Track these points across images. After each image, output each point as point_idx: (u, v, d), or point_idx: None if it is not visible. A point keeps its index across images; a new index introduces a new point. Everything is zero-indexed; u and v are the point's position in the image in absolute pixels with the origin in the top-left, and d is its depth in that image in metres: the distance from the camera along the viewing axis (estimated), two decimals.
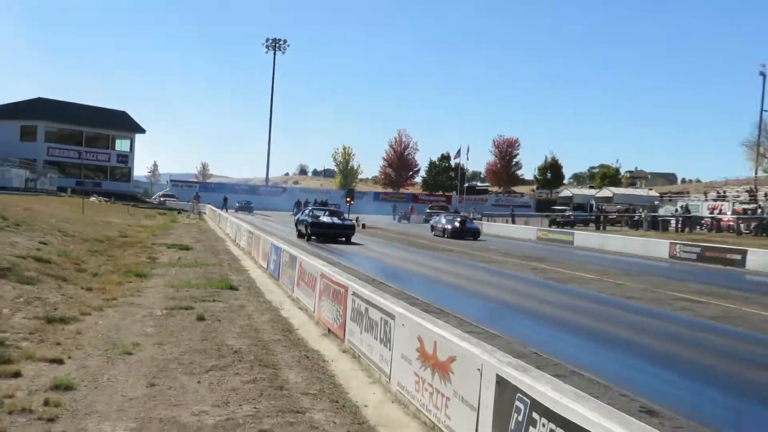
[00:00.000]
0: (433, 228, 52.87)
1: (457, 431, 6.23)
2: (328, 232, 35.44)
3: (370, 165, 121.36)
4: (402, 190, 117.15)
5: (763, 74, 67.06)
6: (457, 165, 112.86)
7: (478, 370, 5.89)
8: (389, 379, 8.25)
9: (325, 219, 36.65)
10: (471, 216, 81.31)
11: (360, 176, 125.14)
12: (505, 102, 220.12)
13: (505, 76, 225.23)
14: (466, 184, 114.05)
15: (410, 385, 7.49)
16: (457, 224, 48.14)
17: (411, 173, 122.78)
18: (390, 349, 8.32)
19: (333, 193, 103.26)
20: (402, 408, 7.60)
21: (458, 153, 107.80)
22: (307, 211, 40.33)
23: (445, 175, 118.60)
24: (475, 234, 48.45)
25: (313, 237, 35.08)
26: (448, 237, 46.94)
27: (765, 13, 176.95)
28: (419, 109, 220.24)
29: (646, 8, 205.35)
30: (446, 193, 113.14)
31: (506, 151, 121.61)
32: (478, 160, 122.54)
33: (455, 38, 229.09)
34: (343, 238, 35.70)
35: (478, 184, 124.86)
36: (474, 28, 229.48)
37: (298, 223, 39.64)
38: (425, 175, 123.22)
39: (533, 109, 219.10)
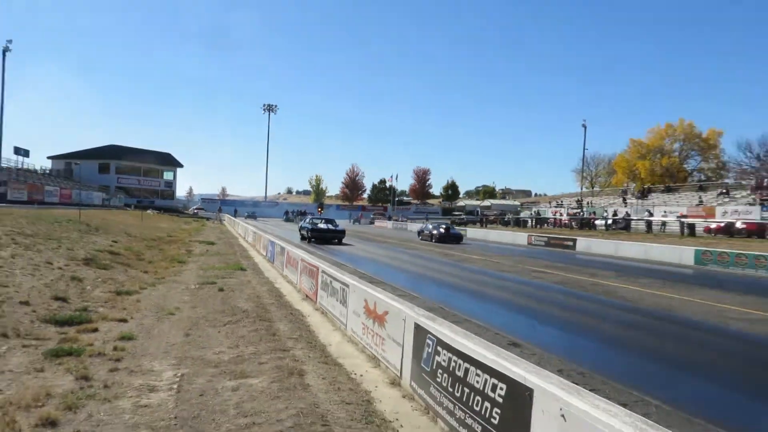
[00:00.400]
0: (420, 233, 41.49)
1: (390, 359, 6.25)
2: (324, 236, 31.42)
3: (333, 185, 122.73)
4: (355, 203, 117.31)
5: (584, 126, 68.49)
6: (391, 186, 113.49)
7: (403, 319, 5.94)
8: (346, 327, 8.23)
9: (322, 226, 32.38)
10: (399, 218, 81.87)
11: (327, 194, 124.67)
12: (422, 141, 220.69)
13: (420, 125, 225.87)
14: (396, 199, 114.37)
15: (359, 330, 7.48)
16: (442, 230, 38.24)
17: (360, 192, 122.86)
18: (346, 307, 8.30)
19: (309, 206, 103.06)
20: (354, 346, 7.58)
21: (391, 178, 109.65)
22: (307, 220, 35.30)
23: (383, 193, 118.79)
24: (458, 239, 37.79)
25: (312, 240, 31.13)
26: (435, 241, 37.10)
27: (589, 76, 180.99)
28: (367, 146, 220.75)
29: (513, 71, 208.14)
30: (383, 205, 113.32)
31: (422, 177, 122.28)
32: (404, 183, 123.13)
33: (389, 97, 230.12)
34: (336, 240, 31.59)
35: (404, 198, 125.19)
36: (399, 89, 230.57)
37: (300, 229, 35.20)
38: (370, 193, 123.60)
39: (441, 147, 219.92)
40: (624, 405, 5.57)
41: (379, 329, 6.67)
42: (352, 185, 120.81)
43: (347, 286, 8.37)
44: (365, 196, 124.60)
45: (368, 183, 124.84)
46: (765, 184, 46.66)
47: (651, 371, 7.52)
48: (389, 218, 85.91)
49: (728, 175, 65.81)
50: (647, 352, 8.53)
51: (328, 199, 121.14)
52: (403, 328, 5.92)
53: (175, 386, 5.59)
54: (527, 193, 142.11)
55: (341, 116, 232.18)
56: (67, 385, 5.47)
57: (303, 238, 33.04)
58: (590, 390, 5.52)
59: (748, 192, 47.27)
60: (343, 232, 32.29)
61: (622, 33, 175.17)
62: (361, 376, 6.24)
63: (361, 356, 7.08)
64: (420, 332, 5.48)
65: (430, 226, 40.81)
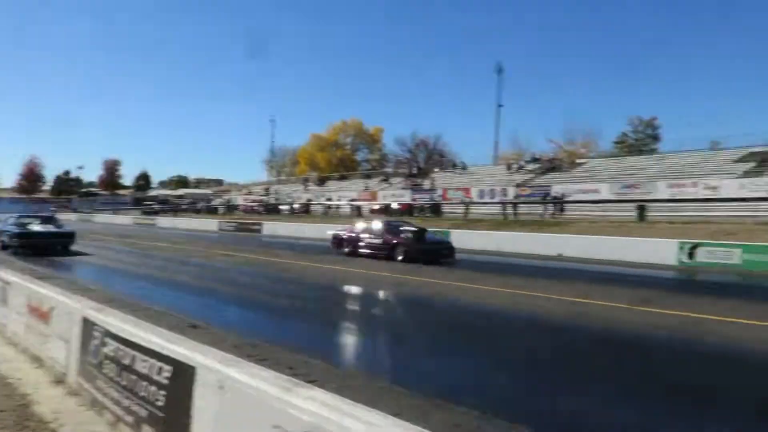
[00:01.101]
0: (337, 241, 20.39)
1: (55, 356, 5.60)
2: (41, 242, 19.70)
3: (8, 178, 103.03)
4: (34, 196, 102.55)
5: (272, 121, 70.53)
6: (77, 177, 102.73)
7: (70, 314, 5.39)
8: (6, 329, 7.08)
9: (36, 228, 20.44)
10: (85, 210, 74.08)
11: (1, 187, 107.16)
12: (113, 132, 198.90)
13: (112, 115, 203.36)
14: (84, 190, 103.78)
15: (21, 330, 6.53)
16: (409, 235, 18.11)
17: (42, 184, 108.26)
18: (7, 308, 7.16)
19: None
20: (14, 347, 6.52)
21: (79, 168, 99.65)
22: (10, 221, 21.29)
23: (68, 185, 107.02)
24: (444, 252, 18.04)
25: (21, 249, 19.11)
26: (406, 260, 17.01)
27: (280, 74, 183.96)
28: (51, 136, 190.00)
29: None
30: (68, 197, 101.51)
31: (112, 167, 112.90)
32: (93, 174, 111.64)
33: (73, 83, 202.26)
34: (61, 247, 20.05)
35: (93, 189, 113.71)
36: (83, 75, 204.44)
37: (1, 233, 20.91)
38: (54, 185, 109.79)
39: (133, 137, 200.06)
40: (291, 368, 5.86)
41: (44, 327, 5.89)
42: (32, 177, 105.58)
43: (8, 284, 7.22)
44: (48, 188, 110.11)
45: (52, 175, 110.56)
46: (414, 172, 53.85)
47: (316, 336, 8.02)
48: (74, 210, 77.04)
49: (388, 165, 74.24)
50: (315, 319, 9.08)
51: (2, 192, 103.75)
52: (70, 322, 5.33)
53: None
54: (220, 182, 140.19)
55: (21, 104, 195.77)
56: None
57: (5, 247, 20.24)
58: (261, 359, 5.66)
59: (403, 179, 53.94)
60: (71, 236, 20.98)
61: (305, 34, 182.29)
62: (20, 379, 5.38)
63: (21, 357, 6.12)
64: (88, 324, 5.00)
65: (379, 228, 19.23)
